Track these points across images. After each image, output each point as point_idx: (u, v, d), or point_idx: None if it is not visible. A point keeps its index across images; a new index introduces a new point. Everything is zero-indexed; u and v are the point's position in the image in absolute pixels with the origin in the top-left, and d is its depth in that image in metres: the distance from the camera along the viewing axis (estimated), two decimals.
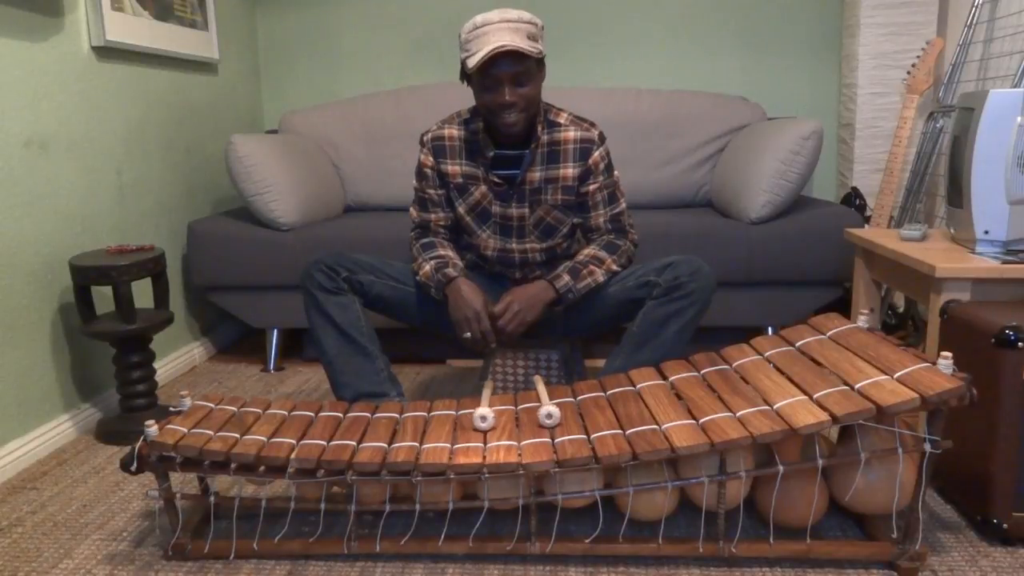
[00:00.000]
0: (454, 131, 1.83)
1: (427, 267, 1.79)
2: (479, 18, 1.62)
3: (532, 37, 1.63)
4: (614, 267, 1.79)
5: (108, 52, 2.22)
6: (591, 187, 1.80)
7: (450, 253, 1.83)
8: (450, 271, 1.76)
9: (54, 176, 2.00)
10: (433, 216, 1.88)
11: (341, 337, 1.79)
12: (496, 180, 1.79)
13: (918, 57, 2.53)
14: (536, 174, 1.79)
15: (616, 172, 1.84)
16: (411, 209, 1.92)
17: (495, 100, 1.66)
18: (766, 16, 2.99)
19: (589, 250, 1.80)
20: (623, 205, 1.85)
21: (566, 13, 3.05)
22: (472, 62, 1.61)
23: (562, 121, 1.79)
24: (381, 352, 1.83)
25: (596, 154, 1.78)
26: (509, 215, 1.82)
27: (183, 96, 2.63)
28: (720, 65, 3.05)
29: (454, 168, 1.83)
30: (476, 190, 1.82)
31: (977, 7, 2.39)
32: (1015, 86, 2.14)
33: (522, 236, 1.85)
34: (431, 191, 1.86)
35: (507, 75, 1.63)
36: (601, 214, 1.82)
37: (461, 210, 1.86)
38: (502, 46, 1.57)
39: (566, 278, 1.74)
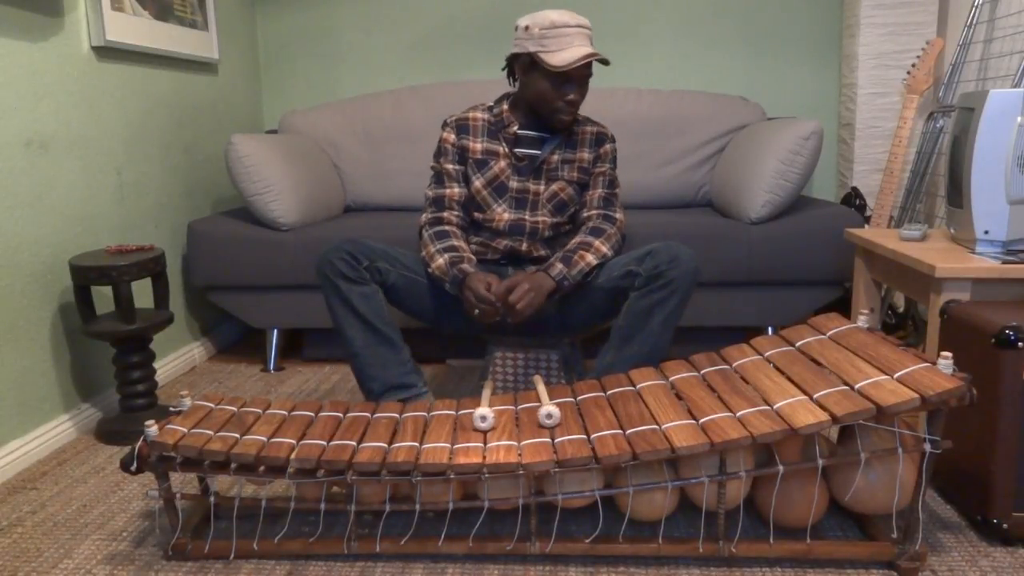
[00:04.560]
0: (478, 115, 1.94)
1: (440, 260, 1.80)
2: (555, 16, 1.73)
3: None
4: (603, 248, 1.83)
5: (108, 52, 2.22)
6: (596, 169, 1.96)
7: (463, 245, 1.85)
8: (466, 267, 1.78)
9: (54, 176, 2.00)
10: (448, 191, 1.91)
11: (367, 328, 1.78)
12: (518, 156, 1.89)
13: (918, 57, 2.53)
14: (556, 156, 1.91)
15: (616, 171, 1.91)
16: (426, 191, 1.96)
17: (564, 97, 1.79)
18: (766, 16, 2.99)
19: (577, 238, 1.87)
20: (617, 191, 1.97)
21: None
22: (556, 59, 1.72)
23: (580, 118, 1.97)
24: (404, 342, 1.83)
25: (608, 145, 1.97)
26: (526, 189, 1.91)
27: (183, 96, 2.63)
28: (720, 65, 3.05)
29: (475, 144, 1.91)
30: (496, 165, 1.90)
31: (977, 7, 2.39)
32: (1015, 86, 2.14)
33: (535, 209, 1.92)
34: (449, 165, 1.92)
35: (583, 77, 1.79)
36: (598, 192, 1.95)
37: (478, 184, 1.91)
38: (595, 55, 1.72)
39: (559, 266, 1.78)
